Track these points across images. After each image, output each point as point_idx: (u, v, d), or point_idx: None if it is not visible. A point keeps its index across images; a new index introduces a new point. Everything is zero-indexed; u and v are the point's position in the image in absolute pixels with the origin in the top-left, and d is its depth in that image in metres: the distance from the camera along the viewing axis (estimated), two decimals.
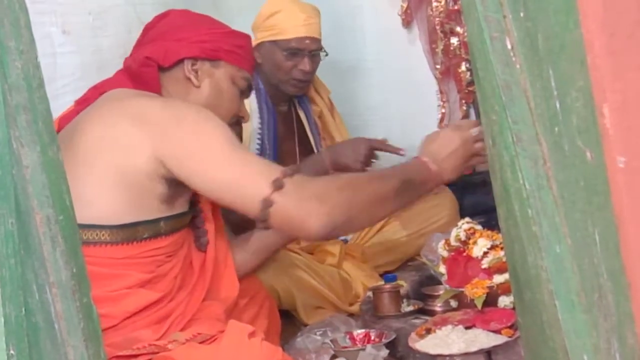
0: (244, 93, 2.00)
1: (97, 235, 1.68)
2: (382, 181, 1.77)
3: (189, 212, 1.85)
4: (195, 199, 1.89)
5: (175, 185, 1.73)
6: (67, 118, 1.86)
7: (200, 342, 1.65)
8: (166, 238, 1.77)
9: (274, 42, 2.77)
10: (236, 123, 2.01)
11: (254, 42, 2.50)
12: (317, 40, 2.82)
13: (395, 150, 2.64)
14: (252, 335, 1.60)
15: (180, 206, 1.80)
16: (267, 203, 1.63)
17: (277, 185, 1.63)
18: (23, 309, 1.04)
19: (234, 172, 1.67)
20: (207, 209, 1.95)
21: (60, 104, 2.46)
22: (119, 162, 1.69)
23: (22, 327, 1.03)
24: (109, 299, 1.67)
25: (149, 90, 1.88)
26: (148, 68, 1.89)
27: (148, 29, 1.99)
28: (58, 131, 1.74)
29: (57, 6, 2.55)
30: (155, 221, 1.74)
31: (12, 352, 1.00)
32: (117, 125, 1.72)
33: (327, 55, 2.88)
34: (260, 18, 2.82)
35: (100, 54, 2.71)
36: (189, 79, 1.91)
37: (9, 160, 1.04)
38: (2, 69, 1.05)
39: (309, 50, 2.79)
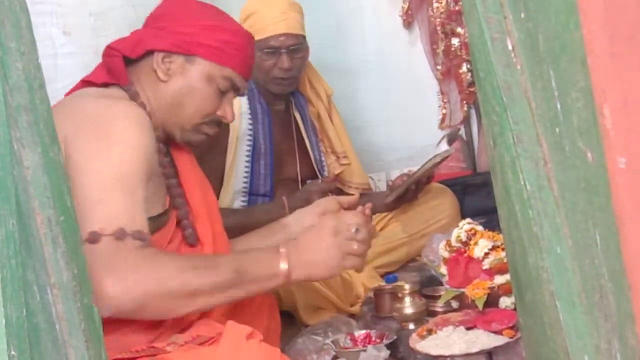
0: (226, 93, 1.87)
1: None
2: (202, 273, 1.61)
3: (162, 215, 1.77)
4: (183, 200, 1.84)
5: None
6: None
7: (200, 344, 1.65)
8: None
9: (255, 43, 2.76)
10: (217, 124, 1.90)
11: None
12: (294, 36, 2.76)
13: (331, 181, 2.70)
14: (250, 336, 1.57)
15: (154, 209, 1.72)
16: (94, 237, 1.52)
17: (118, 234, 1.53)
18: (24, 310, 1.04)
19: (97, 191, 1.56)
20: (202, 209, 1.89)
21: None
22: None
23: (23, 328, 1.03)
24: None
25: (118, 81, 1.82)
26: (112, 58, 1.80)
27: (150, 15, 1.91)
28: None
29: (58, 7, 2.55)
30: None
31: (13, 353, 1.00)
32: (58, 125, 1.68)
33: (307, 48, 2.82)
34: (241, 22, 2.80)
35: (100, 55, 2.71)
36: (155, 71, 1.81)
37: (9, 161, 1.04)
38: (3, 70, 1.05)
39: (286, 46, 2.74)
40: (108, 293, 1.47)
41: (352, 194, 2.51)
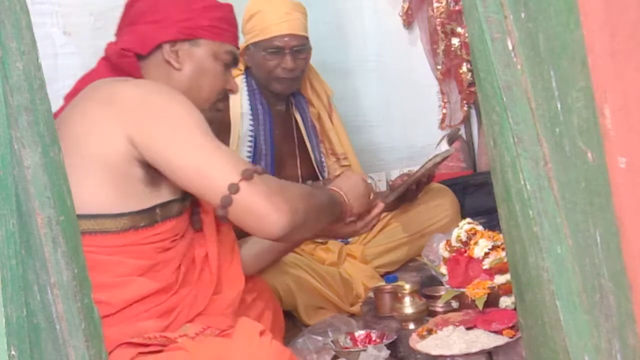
0: (229, 66, 1.97)
1: (95, 224, 1.68)
2: (320, 195, 1.89)
3: (182, 200, 1.83)
4: None
5: (152, 170, 1.72)
6: (57, 115, 1.84)
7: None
8: (162, 224, 1.76)
9: (256, 43, 2.77)
10: (226, 98, 1.99)
11: (241, 47, 2.48)
12: (298, 37, 2.77)
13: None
14: (262, 333, 1.61)
15: (170, 192, 1.78)
16: (234, 189, 1.64)
17: (247, 175, 1.65)
18: (24, 310, 1.04)
19: (201, 157, 1.67)
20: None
21: (61, 105, 2.46)
22: (98, 150, 1.69)
23: (24, 328, 1.03)
24: (107, 286, 1.67)
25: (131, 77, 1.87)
26: (126, 59, 1.87)
27: (128, 6, 1.95)
28: None
29: (58, 7, 2.55)
30: (151, 209, 1.74)
31: (13, 352, 1.00)
32: (90, 113, 1.72)
33: (310, 48, 2.83)
34: (243, 22, 2.80)
35: (101, 55, 2.71)
36: (168, 62, 1.87)
37: (10, 160, 1.05)
38: (4, 69, 1.05)
39: (290, 47, 2.75)
40: (283, 211, 1.65)
41: None
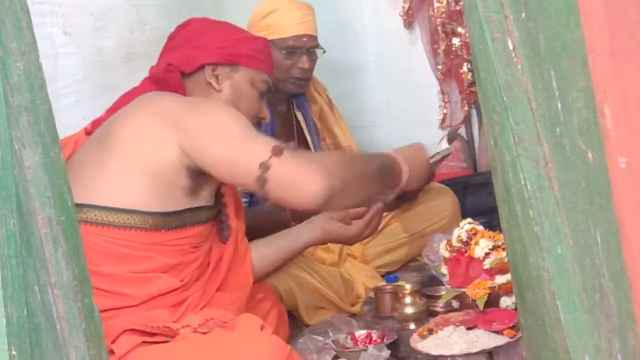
0: (264, 95, 2.09)
1: (129, 219, 1.78)
2: (368, 161, 1.91)
3: (213, 207, 1.94)
4: (220, 194, 1.99)
5: (199, 178, 1.83)
6: (98, 122, 1.98)
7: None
8: (191, 229, 1.87)
9: (271, 41, 2.77)
10: (257, 124, 2.07)
11: None
12: (314, 38, 2.82)
13: None
14: (262, 328, 1.66)
15: (205, 199, 1.89)
16: (265, 167, 1.69)
17: (276, 151, 1.70)
18: (25, 310, 1.04)
19: (236, 145, 1.76)
20: (231, 207, 2.05)
21: (61, 105, 2.46)
22: (147, 156, 1.80)
23: (24, 328, 1.03)
24: (133, 280, 1.78)
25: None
26: (171, 74, 2.00)
27: (171, 37, 2.11)
28: (90, 134, 1.94)
29: (58, 7, 2.55)
30: (182, 212, 1.84)
31: (14, 352, 1.00)
32: (143, 123, 1.83)
33: (324, 52, 2.87)
34: (256, 18, 2.81)
35: (101, 55, 2.71)
36: (210, 83, 2.01)
37: (10, 161, 1.05)
38: (4, 69, 1.05)
39: (307, 47, 2.79)
40: (319, 176, 1.69)
41: None
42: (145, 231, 1.80)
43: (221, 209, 2.00)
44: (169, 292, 1.82)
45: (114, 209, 1.76)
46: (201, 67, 2.01)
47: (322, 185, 1.68)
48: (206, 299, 1.90)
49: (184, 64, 2.01)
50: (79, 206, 1.75)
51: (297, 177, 1.70)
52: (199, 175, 1.82)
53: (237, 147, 1.76)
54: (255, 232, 2.21)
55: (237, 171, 1.76)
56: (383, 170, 1.92)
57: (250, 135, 1.77)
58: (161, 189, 1.80)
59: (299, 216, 2.38)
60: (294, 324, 2.46)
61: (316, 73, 2.93)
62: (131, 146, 1.81)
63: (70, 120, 2.35)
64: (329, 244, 2.73)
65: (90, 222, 1.77)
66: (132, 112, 1.88)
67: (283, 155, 1.70)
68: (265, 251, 2.20)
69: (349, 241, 2.33)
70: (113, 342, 1.67)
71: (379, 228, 2.81)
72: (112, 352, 1.66)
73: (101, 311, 1.68)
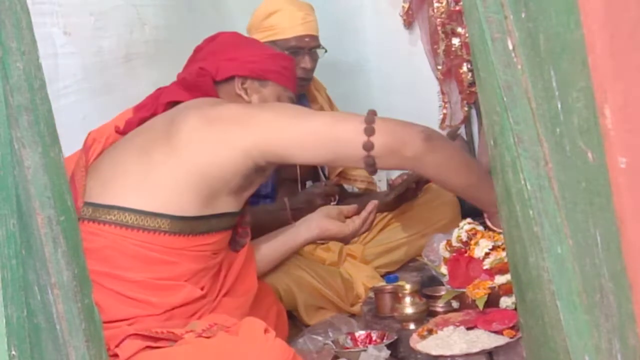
0: None
1: (158, 222, 1.81)
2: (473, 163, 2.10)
3: (238, 213, 1.98)
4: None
5: (253, 177, 1.90)
6: (131, 122, 2.02)
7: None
8: (216, 235, 1.91)
9: (273, 42, 2.77)
10: None
11: None
12: (315, 38, 2.83)
13: (333, 185, 2.80)
14: (266, 331, 1.67)
15: (235, 204, 1.93)
16: (369, 146, 1.83)
17: (369, 120, 1.86)
18: (25, 310, 1.04)
19: (332, 124, 1.89)
20: (248, 215, 2.08)
21: (61, 105, 2.46)
22: (204, 160, 1.84)
23: (24, 328, 1.03)
24: (160, 288, 1.80)
25: (207, 97, 2.05)
26: (203, 78, 2.06)
27: (198, 50, 2.18)
28: (123, 134, 1.97)
29: (58, 7, 2.55)
30: (209, 217, 1.87)
31: (13, 352, 1.00)
32: (206, 128, 1.87)
33: (326, 52, 2.87)
34: (257, 19, 2.82)
35: (101, 55, 2.71)
36: (239, 95, 2.09)
37: (10, 160, 1.05)
38: (4, 69, 1.05)
39: (309, 47, 2.80)
40: (422, 126, 1.89)
41: (356, 193, 2.53)
42: (172, 235, 1.82)
43: (244, 215, 2.04)
44: (190, 303, 1.84)
45: (146, 212, 1.79)
46: (231, 78, 2.09)
47: (423, 128, 1.87)
48: (215, 305, 1.93)
49: (215, 71, 2.08)
50: (110, 208, 1.79)
51: (401, 124, 1.88)
52: (256, 173, 1.89)
53: (332, 127, 1.87)
54: (255, 231, 2.21)
55: (339, 151, 1.87)
56: (482, 182, 2.00)
57: (335, 114, 1.93)
58: (206, 191, 1.84)
59: (299, 216, 2.38)
60: (294, 324, 2.46)
61: (316, 73, 2.93)
62: (188, 151, 1.84)
63: (70, 120, 2.34)
64: (329, 244, 2.74)
65: (120, 225, 1.79)
66: (189, 117, 1.90)
67: (375, 124, 1.84)
68: (263, 249, 2.22)
69: (345, 238, 2.33)
70: (117, 345, 1.67)
71: (379, 228, 2.82)
72: (116, 355, 1.66)
73: (124, 320, 1.72)
